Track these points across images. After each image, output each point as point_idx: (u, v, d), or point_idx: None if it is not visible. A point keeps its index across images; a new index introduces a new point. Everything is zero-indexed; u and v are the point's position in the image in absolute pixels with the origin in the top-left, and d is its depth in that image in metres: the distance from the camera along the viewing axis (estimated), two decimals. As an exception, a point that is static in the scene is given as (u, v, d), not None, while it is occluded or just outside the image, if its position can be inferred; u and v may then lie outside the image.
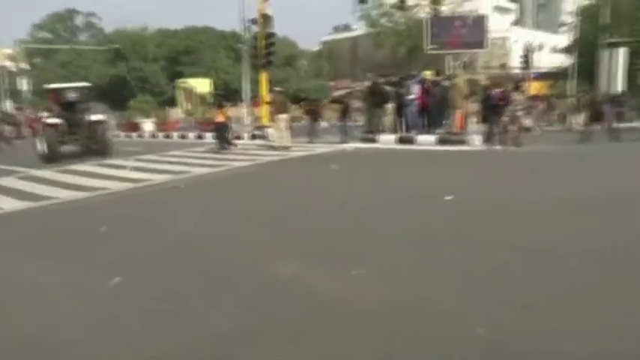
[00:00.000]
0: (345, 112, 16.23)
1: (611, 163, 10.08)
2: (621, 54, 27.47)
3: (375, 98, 15.19)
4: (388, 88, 15.35)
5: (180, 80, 40.47)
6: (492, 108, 13.85)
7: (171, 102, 39.72)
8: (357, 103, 16.11)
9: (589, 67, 29.50)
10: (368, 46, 39.73)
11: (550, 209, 5.95)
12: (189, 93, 37.72)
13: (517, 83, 20.58)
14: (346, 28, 58.28)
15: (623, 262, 4.05)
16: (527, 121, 16.50)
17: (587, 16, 37.41)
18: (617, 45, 28.31)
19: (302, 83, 46.77)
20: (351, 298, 3.57)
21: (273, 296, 3.69)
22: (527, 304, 3.30)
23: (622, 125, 18.50)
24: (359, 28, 51.83)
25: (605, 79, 27.24)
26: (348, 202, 6.99)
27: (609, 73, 27.71)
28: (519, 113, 14.11)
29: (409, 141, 14.37)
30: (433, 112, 15.11)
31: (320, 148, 14.33)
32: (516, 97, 14.47)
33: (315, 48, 59.50)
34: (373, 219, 5.90)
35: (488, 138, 13.50)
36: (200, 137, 21.19)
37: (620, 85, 27.32)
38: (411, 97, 14.43)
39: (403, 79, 16.12)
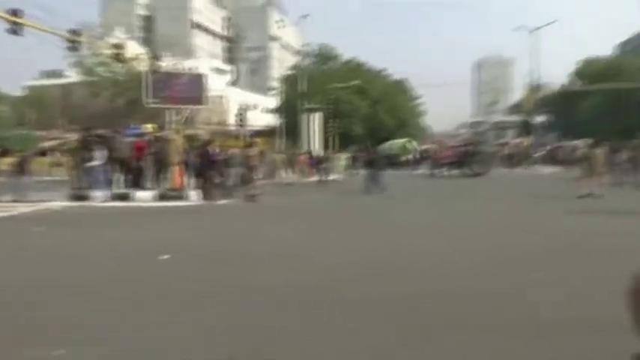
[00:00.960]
0: (22, 166, 14.81)
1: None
2: (317, 118, 32.38)
3: (86, 153, 14.27)
4: (99, 141, 14.61)
5: None
6: (210, 164, 14.54)
7: None
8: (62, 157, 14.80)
9: (294, 127, 33.85)
10: (83, 94, 37.30)
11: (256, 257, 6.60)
12: None
13: (251, 140, 21.91)
14: (57, 74, 53.68)
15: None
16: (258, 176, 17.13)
17: (289, 83, 43.24)
18: (313, 110, 33.33)
19: (3, 132, 40.71)
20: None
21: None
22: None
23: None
24: (72, 75, 48.35)
25: (306, 139, 31.59)
26: (53, 267, 6.38)
27: (309, 134, 32.29)
28: (252, 168, 14.83)
29: (125, 198, 13.94)
30: (152, 167, 15.07)
31: (22, 208, 12.68)
32: (251, 153, 15.27)
33: (19, 93, 52.89)
34: (85, 285, 5.51)
35: (207, 193, 14.07)
36: None
37: (318, 144, 32.05)
38: (95, 162, 13.86)
39: (116, 132, 15.63)
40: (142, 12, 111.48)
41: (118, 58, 28.13)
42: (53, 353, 3.61)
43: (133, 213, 11.98)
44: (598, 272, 5.66)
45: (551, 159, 37.90)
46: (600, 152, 15.05)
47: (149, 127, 25.11)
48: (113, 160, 14.82)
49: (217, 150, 16.60)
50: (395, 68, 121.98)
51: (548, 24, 43.58)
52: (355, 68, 50.25)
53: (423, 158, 41.17)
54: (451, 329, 3.98)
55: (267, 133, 43.85)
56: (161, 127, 19.08)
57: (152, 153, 14.71)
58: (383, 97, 48.36)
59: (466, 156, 26.17)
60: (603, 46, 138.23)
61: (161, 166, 14.67)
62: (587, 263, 6.20)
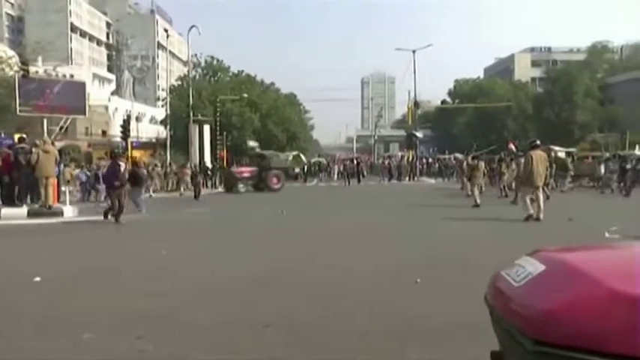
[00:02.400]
0: None
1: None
2: (207, 130, 31.75)
3: None
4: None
5: None
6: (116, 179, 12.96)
7: None
8: None
9: (184, 139, 32.87)
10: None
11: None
12: None
13: (112, 151, 19.85)
14: None
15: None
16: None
17: (178, 94, 42.04)
18: (203, 122, 32.64)
19: None
20: None
21: None
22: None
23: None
24: None
25: (197, 151, 30.79)
26: None
27: (201, 146, 31.52)
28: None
29: (-7, 215, 12.62)
30: (22, 182, 13.78)
31: None
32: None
33: None
34: None
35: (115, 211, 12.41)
36: None
37: (208, 156, 31.40)
38: None
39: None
40: (11, 11, 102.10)
41: (-19, 60, 25.55)
42: None
43: (3, 232, 10.85)
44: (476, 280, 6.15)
45: (434, 170, 40.65)
46: (482, 164, 16.52)
47: (16, 137, 23.03)
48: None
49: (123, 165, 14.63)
50: (284, 83, 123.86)
51: (426, 46, 46.79)
52: (245, 81, 50.16)
53: (311, 171, 42.26)
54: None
55: (153, 145, 42.15)
56: (23, 138, 17.02)
57: (25, 166, 13.42)
58: (273, 111, 48.75)
59: (261, 172, 25.58)
60: (475, 68, 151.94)
61: (34, 179, 13.42)
62: (466, 272, 6.71)
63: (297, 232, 10.81)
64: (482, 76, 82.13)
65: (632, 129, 43.06)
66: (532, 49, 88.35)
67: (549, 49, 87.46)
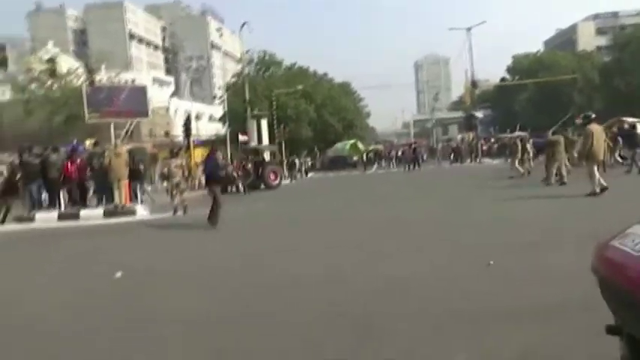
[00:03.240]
0: None
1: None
2: (264, 124, 32.20)
3: (27, 174, 13.54)
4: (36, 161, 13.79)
5: None
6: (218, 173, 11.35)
7: None
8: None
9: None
10: (16, 113, 35.38)
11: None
12: None
13: (173, 150, 19.97)
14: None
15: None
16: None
17: (233, 91, 42.83)
18: (260, 117, 33.10)
19: None
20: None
21: None
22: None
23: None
24: (3, 94, 46.09)
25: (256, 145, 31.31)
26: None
27: (259, 140, 32.02)
28: (177, 179, 13.67)
29: (73, 217, 13.36)
30: (97, 184, 14.56)
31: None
32: (173, 163, 14.14)
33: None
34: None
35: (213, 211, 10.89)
36: None
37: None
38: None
39: (54, 150, 14.81)
40: (75, 25, 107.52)
41: (53, 73, 27.10)
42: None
43: (78, 232, 11.46)
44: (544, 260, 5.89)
45: (496, 151, 39.32)
46: (562, 140, 15.55)
47: (87, 143, 24.18)
48: (51, 179, 14.08)
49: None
50: (337, 73, 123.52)
51: (480, 24, 45.16)
52: (298, 73, 50.36)
53: (370, 159, 42.03)
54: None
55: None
56: (97, 143, 18.00)
57: (98, 169, 14.16)
58: (328, 101, 48.68)
59: (257, 168, 23.34)
60: (535, 41, 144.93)
61: (108, 181, 14.12)
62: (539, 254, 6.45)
63: (361, 220, 10.77)
64: (542, 49, 78.36)
65: None
66: (596, 16, 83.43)
67: (615, 14, 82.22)
